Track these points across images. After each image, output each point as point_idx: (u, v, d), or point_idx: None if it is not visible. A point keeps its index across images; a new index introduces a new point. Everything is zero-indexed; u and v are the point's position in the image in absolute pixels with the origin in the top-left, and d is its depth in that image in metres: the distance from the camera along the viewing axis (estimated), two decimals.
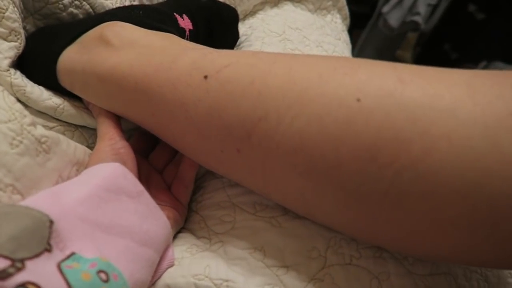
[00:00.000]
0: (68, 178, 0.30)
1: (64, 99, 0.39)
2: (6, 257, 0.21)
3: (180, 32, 0.45)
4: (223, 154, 0.32)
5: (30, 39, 0.39)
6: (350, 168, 0.27)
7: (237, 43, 0.57)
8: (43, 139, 0.28)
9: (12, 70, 0.35)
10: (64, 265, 0.24)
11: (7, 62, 0.35)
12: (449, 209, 0.25)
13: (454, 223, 0.25)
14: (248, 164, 0.31)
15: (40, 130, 0.29)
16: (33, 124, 0.28)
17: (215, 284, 0.31)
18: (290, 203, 0.33)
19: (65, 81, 0.39)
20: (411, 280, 0.33)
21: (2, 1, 0.34)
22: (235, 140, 0.31)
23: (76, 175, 0.31)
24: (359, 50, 1.51)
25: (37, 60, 0.39)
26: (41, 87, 0.38)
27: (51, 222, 0.24)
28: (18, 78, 0.35)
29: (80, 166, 0.32)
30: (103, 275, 0.25)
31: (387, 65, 0.28)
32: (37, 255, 0.22)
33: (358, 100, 0.26)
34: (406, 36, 1.53)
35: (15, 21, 0.35)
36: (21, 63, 0.39)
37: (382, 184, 0.26)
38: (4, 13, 0.34)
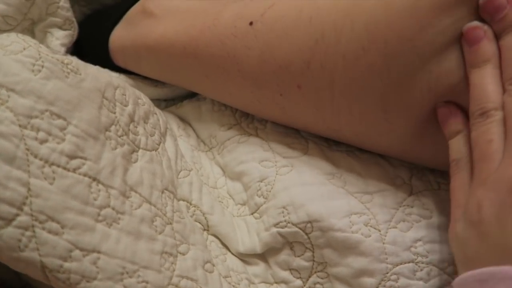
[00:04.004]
0: (115, 100, 0.29)
1: (120, 73, 0.40)
2: None
3: None
4: (284, 98, 0.31)
5: (81, 26, 0.41)
6: (438, 26, 0.24)
7: None
8: (66, 61, 0.27)
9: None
10: None
11: (63, 49, 0.37)
12: None
13: None
14: (312, 98, 0.30)
15: (61, 56, 0.27)
16: (51, 52, 0.27)
17: (301, 228, 0.30)
18: (367, 131, 0.30)
19: (118, 59, 0.40)
20: None
21: None
22: (294, 76, 0.29)
23: (124, 99, 0.30)
24: None
25: (91, 45, 0.41)
26: (97, 66, 0.39)
27: None
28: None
29: (125, 91, 0.31)
30: None
31: None
32: None
33: None
34: None
35: (68, 10, 0.37)
36: (77, 50, 0.41)
37: None
38: (58, 3, 0.36)
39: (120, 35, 0.40)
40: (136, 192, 0.26)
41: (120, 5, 0.42)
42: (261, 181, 0.32)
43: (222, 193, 0.35)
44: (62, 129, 0.24)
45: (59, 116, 0.24)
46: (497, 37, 0.24)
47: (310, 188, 0.31)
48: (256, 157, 0.34)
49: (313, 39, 0.28)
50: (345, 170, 0.32)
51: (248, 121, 0.37)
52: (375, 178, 0.31)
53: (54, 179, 0.22)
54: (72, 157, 0.23)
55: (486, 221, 0.22)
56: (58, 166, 0.23)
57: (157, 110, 0.35)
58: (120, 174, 0.26)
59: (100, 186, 0.24)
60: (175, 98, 0.42)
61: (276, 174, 0.32)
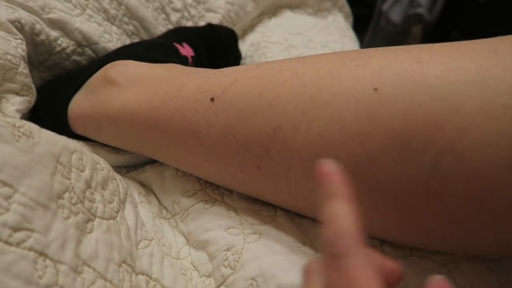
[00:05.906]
0: (71, 165, 0.27)
1: (78, 140, 0.38)
2: None
3: (182, 61, 0.45)
4: (244, 175, 0.31)
5: (40, 92, 0.39)
6: (382, 163, 0.24)
7: (242, 63, 0.56)
8: (18, 124, 0.25)
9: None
10: None
11: (19, 115, 0.35)
12: (502, 189, 0.22)
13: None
14: (271, 180, 0.30)
15: (12, 119, 0.25)
16: (2, 115, 0.25)
17: None
18: None
19: (77, 128, 0.39)
20: (484, 266, 0.29)
21: (14, 58, 0.34)
22: (253, 157, 0.29)
23: (80, 164, 0.28)
24: None
25: (49, 112, 0.40)
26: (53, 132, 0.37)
27: None
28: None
29: (82, 155, 0.29)
30: None
31: (400, 49, 0.27)
32: None
33: (376, 89, 0.25)
34: (411, 30, 1.51)
35: (27, 76, 0.36)
36: (34, 117, 0.39)
37: (420, 173, 0.23)
38: (17, 69, 0.35)
39: (81, 103, 0.39)
40: (89, 267, 0.24)
41: (81, 72, 0.41)
42: (228, 250, 0.30)
43: (185, 264, 0.32)
44: (8, 198, 0.21)
45: (5, 184, 0.22)
46: None
47: (280, 258, 0.29)
48: (222, 224, 0.32)
49: (272, 127, 0.28)
50: (315, 238, 0.30)
51: (214, 187, 0.35)
52: None
53: None
54: (16, 229, 0.21)
55: None
56: (0, 240, 0.20)
57: (117, 176, 0.33)
58: (72, 247, 0.23)
59: (48, 262, 0.21)
60: (136, 165, 0.41)
61: (244, 242, 0.30)
